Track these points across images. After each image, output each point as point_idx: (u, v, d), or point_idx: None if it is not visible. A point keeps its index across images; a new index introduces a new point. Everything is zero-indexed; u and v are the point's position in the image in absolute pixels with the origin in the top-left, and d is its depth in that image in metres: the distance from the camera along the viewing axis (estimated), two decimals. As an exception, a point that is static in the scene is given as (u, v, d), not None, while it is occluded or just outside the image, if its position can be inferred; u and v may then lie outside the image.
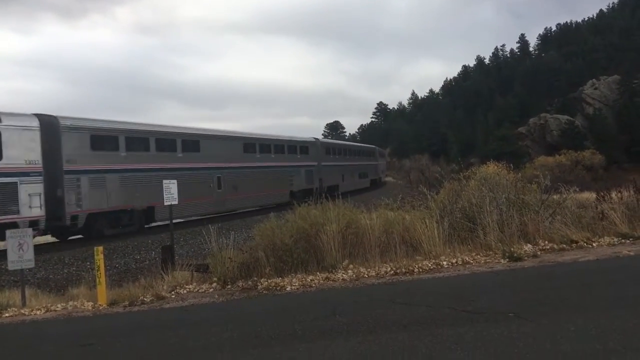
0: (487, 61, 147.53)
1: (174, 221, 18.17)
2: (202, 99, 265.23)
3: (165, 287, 10.78)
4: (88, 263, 18.22)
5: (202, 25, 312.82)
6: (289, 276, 10.55)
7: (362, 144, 77.45)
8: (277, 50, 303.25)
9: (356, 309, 7.83)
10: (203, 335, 7.28)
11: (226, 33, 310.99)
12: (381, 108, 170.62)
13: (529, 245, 11.57)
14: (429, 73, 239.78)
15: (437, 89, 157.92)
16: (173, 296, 10.26)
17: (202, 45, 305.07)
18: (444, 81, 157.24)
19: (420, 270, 10.51)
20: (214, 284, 10.70)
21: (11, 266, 10.78)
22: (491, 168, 19.31)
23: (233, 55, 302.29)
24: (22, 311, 9.96)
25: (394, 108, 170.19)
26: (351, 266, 10.91)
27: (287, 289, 9.88)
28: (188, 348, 6.74)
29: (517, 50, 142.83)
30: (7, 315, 9.78)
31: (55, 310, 9.92)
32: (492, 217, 12.02)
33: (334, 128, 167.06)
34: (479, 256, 11.22)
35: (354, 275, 10.43)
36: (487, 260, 10.93)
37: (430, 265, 10.75)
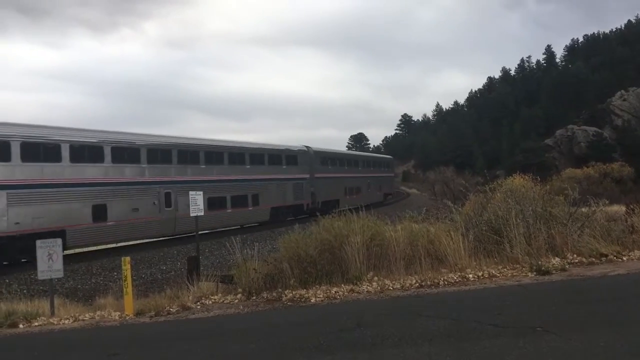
0: (512, 72, 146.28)
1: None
2: (228, 110, 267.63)
3: (190, 298, 10.86)
4: (115, 273, 18.51)
5: (228, 39, 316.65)
6: (314, 288, 10.54)
7: (373, 154, 71.21)
8: (302, 62, 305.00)
9: (381, 322, 7.78)
10: (228, 346, 7.31)
11: (252, 46, 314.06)
12: (405, 120, 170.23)
13: (557, 259, 11.39)
14: (454, 84, 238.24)
15: (461, 101, 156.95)
16: (198, 307, 10.33)
17: (228, 58, 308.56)
18: (469, 93, 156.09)
19: (446, 283, 10.42)
20: (239, 295, 10.75)
21: (41, 276, 10.98)
22: (517, 180, 19.08)
23: (259, 68, 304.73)
24: (51, 320, 10.11)
25: (418, 120, 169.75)
26: (376, 278, 10.87)
27: (312, 300, 9.87)
28: (211, 357, 6.78)
29: (543, 62, 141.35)
30: (36, 324, 9.94)
31: (83, 320, 10.06)
32: (518, 229, 11.87)
33: (358, 140, 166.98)
34: (505, 269, 11.07)
35: (379, 288, 10.38)
36: (514, 274, 10.78)
37: (455, 278, 10.65)
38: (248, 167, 33.94)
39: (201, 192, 13.64)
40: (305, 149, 42.03)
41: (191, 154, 29.40)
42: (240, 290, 10.91)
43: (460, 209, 13.85)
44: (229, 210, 31.57)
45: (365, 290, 10.31)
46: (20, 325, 9.81)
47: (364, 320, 7.83)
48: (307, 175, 40.51)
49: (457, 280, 10.52)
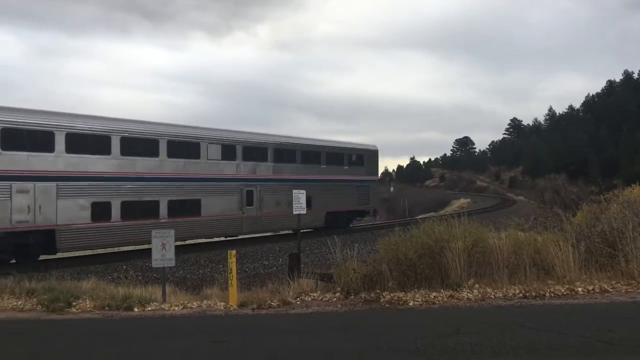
0: (635, 75, 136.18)
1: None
2: (333, 112, 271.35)
3: (291, 294, 11.17)
4: (221, 265, 19.37)
5: (335, 42, 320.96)
6: (412, 291, 10.48)
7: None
8: (407, 64, 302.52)
9: (481, 330, 7.61)
10: (326, 342, 7.46)
11: (358, 49, 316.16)
12: (514, 124, 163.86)
13: (679, 277, 10.53)
14: (569, 88, 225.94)
15: (577, 105, 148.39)
16: (298, 302, 10.60)
17: (335, 60, 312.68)
18: (586, 97, 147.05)
19: (552, 294, 9.97)
20: (338, 294, 10.90)
21: (155, 264, 11.74)
22: (637, 191, 17.79)
23: (364, 70, 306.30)
24: (163, 306, 10.80)
25: (528, 124, 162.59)
26: (477, 285, 10.61)
27: (410, 304, 9.82)
28: (310, 352, 6.95)
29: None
30: (149, 308, 10.65)
31: (191, 308, 10.65)
32: (635, 243, 11.10)
33: (464, 144, 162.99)
34: (619, 284, 10.40)
35: (480, 295, 10.13)
36: (629, 290, 10.10)
37: (563, 290, 10.16)
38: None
39: (304, 191, 13.98)
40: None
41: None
42: (339, 289, 11.06)
43: (571, 218, 13.16)
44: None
45: (465, 297, 10.10)
46: (135, 309, 10.55)
47: (464, 328, 7.68)
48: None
49: (565, 293, 10.04)
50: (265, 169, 27.62)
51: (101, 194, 20.42)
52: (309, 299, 10.84)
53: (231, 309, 10.50)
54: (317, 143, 31.81)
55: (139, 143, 22.36)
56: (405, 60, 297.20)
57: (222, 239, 27.19)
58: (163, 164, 22.99)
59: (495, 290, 10.31)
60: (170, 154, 23.15)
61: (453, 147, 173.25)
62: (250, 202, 26.29)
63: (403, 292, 10.40)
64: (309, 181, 29.13)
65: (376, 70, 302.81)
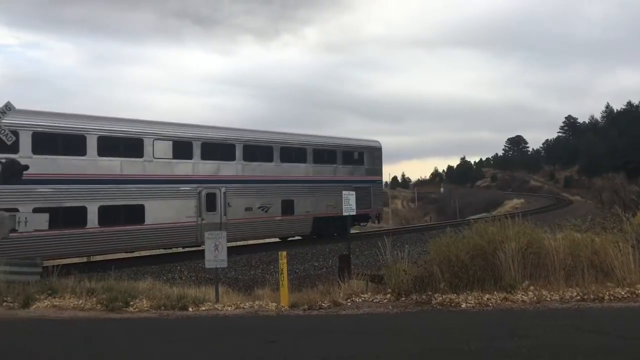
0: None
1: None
2: (381, 113, 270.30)
3: (341, 295, 11.19)
4: (272, 266, 19.56)
5: (384, 42, 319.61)
6: (464, 293, 10.33)
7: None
8: (457, 63, 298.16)
9: (537, 333, 7.43)
10: (377, 344, 7.45)
11: (407, 48, 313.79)
12: (569, 122, 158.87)
13: None
14: (628, 84, 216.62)
15: (636, 101, 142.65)
16: (349, 304, 10.61)
17: (383, 60, 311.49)
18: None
19: (612, 297, 9.64)
20: (388, 295, 10.85)
21: (208, 264, 11.97)
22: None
23: (413, 70, 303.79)
24: (216, 306, 11.01)
25: (584, 122, 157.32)
26: (532, 288, 10.37)
27: (462, 306, 9.69)
28: (362, 353, 6.95)
29: None
30: (203, 308, 10.88)
31: (243, 308, 10.82)
32: (701, 244, 10.61)
33: (516, 143, 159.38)
34: (685, 288, 9.96)
35: (535, 298, 9.89)
36: (696, 294, 9.66)
37: (623, 293, 9.82)
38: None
39: (353, 192, 13.98)
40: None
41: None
42: (389, 290, 11.01)
43: (631, 219, 12.69)
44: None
45: (520, 299, 9.89)
46: (190, 309, 10.80)
47: (519, 331, 7.53)
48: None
49: (625, 296, 9.70)
50: (232, 168, 24.05)
51: (6, 200, 17.17)
52: (360, 300, 10.84)
53: (282, 309, 10.61)
54: (300, 139, 27.80)
55: (63, 139, 19.26)
56: (455, 59, 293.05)
57: (267, 240, 26.87)
58: (93, 164, 19.76)
59: (551, 293, 10.06)
60: (103, 152, 19.97)
61: (505, 146, 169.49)
62: (211, 207, 22.80)
63: (455, 294, 10.27)
64: (290, 182, 26.25)
65: (426, 69, 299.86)
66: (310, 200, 26.96)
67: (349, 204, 13.80)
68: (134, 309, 10.89)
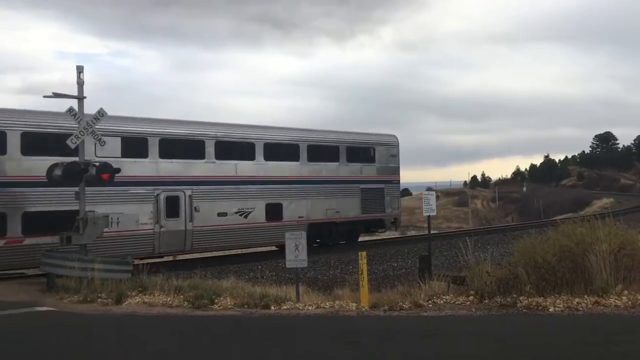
0: None
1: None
2: (460, 111, 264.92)
3: (422, 296, 11.05)
4: (350, 267, 19.65)
5: (461, 38, 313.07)
6: (552, 296, 9.92)
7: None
8: (541, 58, 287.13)
9: (633, 339, 7.05)
10: (461, 346, 7.32)
11: (486, 44, 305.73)
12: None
13: None
14: None
15: None
16: (430, 305, 10.47)
17: (461, 57, 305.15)
18: None
19: None
20: (471, 297, 10.61)
21: (288, 264, 12.19)
22: None
23: (493, 66, 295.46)
24: (297, 305, 11.18)
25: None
26: (626, 292, 9.81)
27: (550, 310, 9.32)
28: (447, 355, 6.86)
29: None
30: (285, 307, 11.08)
31: (324, 308, 10.91)
32: None
33: (605, 140, 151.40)
34: None
35: (630, 303, 9.36)
36: None
37: None
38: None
39: (433, 193, 13.78)
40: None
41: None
42: (472, 292, 10.77)
43: None
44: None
45: (613, 304, 9.39)
46: (272, 307, 11.01)
47: (613, 337, 7.17)
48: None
49: None
50: (201, 168, 20.72)
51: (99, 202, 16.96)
52: (441, 302, 10.67)
53: (363, 309, 10.63)
54: (291, 134, 24.39)
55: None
56: (538, 54, 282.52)
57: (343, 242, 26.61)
58: (15, 165, 17.08)
59: (648, 298, 9.49)
60: (27, 151, 17.17)
61: (592, 143, 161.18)
62: (173, 213, 19.87)
63: (542, 297, 9.90)
64: (277, 183, 22.91)
65: (507, 65, 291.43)
66: (304, 204, 23.66)
67: (429, 204, 13.62)
68: (219, 306, 11.25)
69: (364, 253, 11.59)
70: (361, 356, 7.16)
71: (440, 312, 9.88)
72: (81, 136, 14.61)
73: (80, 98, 15.15)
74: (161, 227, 19.42)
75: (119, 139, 18.82)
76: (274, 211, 22.47)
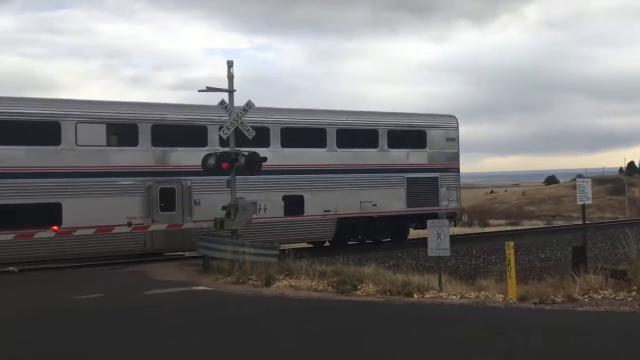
0: None
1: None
2: (613, 91, 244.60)
3: (577, 290, 10.38)
4: (493, 257, 19.04)
5: (617, 12, 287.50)
6: None
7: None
8: None
9: None
10: (626, 345, 6.80)
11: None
12: None
13: None
14: None
15: None
16: (586, 300, 9.80)
17: (617, 34, 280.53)
18: None
19: None
20: (634, 293, 9.78)
21: (430, 252, 12.05)
22: None
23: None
24: (440, 294, 11.02)
25: None
26: None
27: None
28: (611, 355, 6.41)
29: None
30: (428, 296, 10.97)
31: (469, 298, 10.65)
32: None
33: None
34: None
35: None
36: None
37: None
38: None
39: (589, 180, 12.83)
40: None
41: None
42: (634, 287, 9.93)
43: None
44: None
45: None
46: (415, 295, 10.97)
47: None
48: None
49: None
50: (201, 156, 17.18)
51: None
52: (599, 296, 9.96)
53: (510, 301, 10.23)
54: (315, 117, 21.22)
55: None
56: None
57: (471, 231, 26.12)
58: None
59: None
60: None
61: None
62: (169, 206, 17.91)
63: None
64: (297, 172, 19.94)
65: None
66: (332, 196, 20.50)
67: (584, 191, 12.67)
68: (362, 292, 11.43)
69: (512, 243, 11.13)
70: (515, 349, 6.90)
71: (597, 308, 9.25)
72: (232, 127, 15.54)
73: (231, 91, 16.10)
74: (154, 222, 17.64)
75: (104, 125, 17.58)
76: (293, 204, 19.49)
